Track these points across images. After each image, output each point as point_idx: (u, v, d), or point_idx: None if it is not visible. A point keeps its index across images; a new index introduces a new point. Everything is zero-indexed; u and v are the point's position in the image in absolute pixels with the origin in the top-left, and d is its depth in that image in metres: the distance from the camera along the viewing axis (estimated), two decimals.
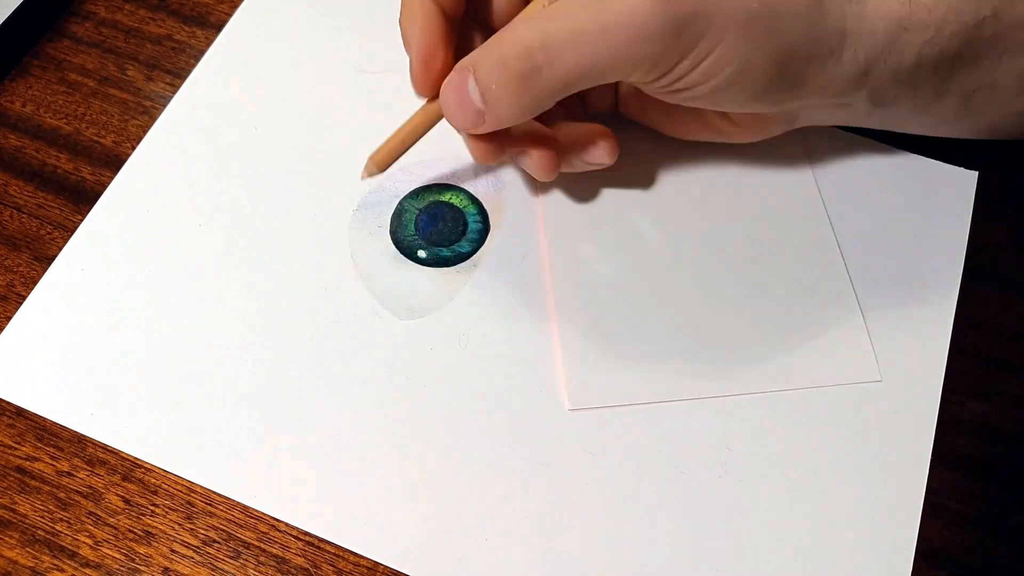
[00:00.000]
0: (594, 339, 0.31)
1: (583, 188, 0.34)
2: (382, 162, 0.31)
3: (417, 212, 0.34)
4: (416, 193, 0.34)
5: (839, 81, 0.28)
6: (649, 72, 0.26)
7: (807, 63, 0.27)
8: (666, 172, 0.35)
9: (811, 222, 0.34)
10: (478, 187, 0.34)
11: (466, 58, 0.27)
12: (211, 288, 0.32)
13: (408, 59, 0.29)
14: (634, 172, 0.34)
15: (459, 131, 0.29)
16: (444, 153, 0.35)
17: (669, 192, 0.34)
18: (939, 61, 0.28)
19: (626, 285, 0.32)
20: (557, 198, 0.34)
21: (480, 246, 0.33)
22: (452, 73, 0.27)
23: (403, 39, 0.29)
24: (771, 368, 0.31)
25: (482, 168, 0.35)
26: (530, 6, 0.28)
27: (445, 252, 0.33)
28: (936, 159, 0.35)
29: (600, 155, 0.31)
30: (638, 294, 0.32)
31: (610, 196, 0.34)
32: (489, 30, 0.30)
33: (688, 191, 0.34)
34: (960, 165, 0.35)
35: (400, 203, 0.34)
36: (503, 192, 0.34)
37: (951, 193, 0.34)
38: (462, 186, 0.34)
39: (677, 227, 0.33)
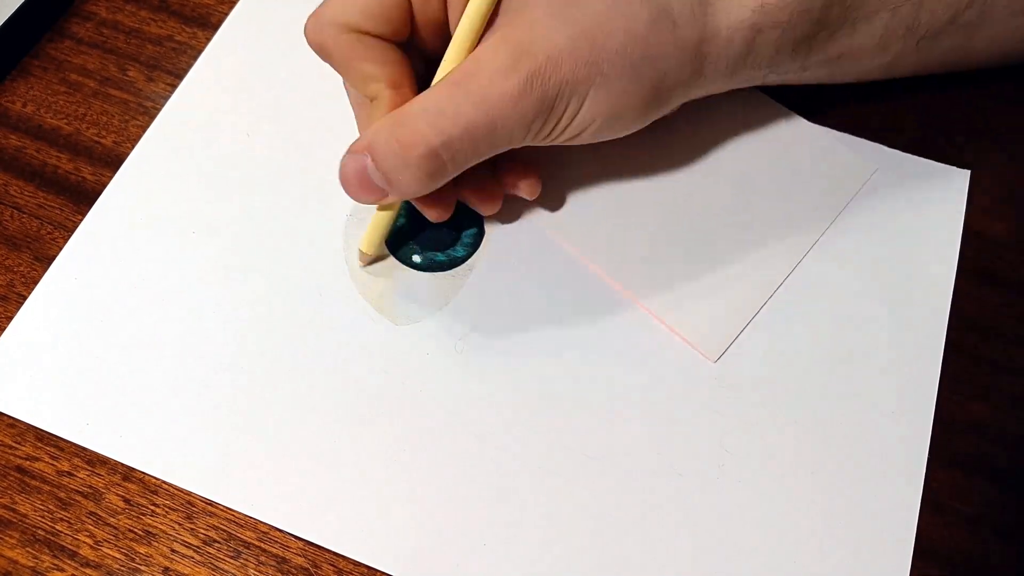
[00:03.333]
0: (676, 292, 0.32)
1: (578, 185, 0.34)
2: (371, 247, 0.32)
3: (411, 217, 0.34)
4: None
5: (708, 85, 0.31)
6: (531, 140, 0.29)
7: (674, 89, 0.30)
8: (656, 159, 0.35)
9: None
10: None
11: (360, 141, 0.28)
12: (206, 293, 0.32)
13: (362, 104, 0.30)
14: (620, 163, 0.35)
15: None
16: None
17: (665, 176, 0.35)
18: (796, 45, 0.30)
19: (656, 234, 0.33)
20: (555, 199, 0.34)
21: (475, 250, 0.33)
22: (348, 156, 0.28)
23: (358, 82, 0.30)
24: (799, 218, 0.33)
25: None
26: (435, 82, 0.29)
27: (440, 257, 0.33)
28: (930, 158, 0.35)
29: (524, 192, 0.32)
30: (681, 234, 0.33)
31: (602, 186, 0.34)
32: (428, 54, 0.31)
33: (681, 175, 0.35)
34: (953, 164, 0.35)
35: None
36: None
37: (944, 192, 0.34)
38: None
39: (672, 192, 0.35)
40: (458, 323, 0.32)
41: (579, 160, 0.34)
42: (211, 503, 0.29)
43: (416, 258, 0.33)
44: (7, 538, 0.29)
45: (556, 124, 0.28)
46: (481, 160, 0.28)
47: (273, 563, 0.28)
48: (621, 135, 0.30)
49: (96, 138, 0.36)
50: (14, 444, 0.30)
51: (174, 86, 0.37)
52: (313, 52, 0.30)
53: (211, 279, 0.33)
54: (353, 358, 0.31)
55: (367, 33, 0.29)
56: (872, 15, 0.30)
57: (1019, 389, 0.31)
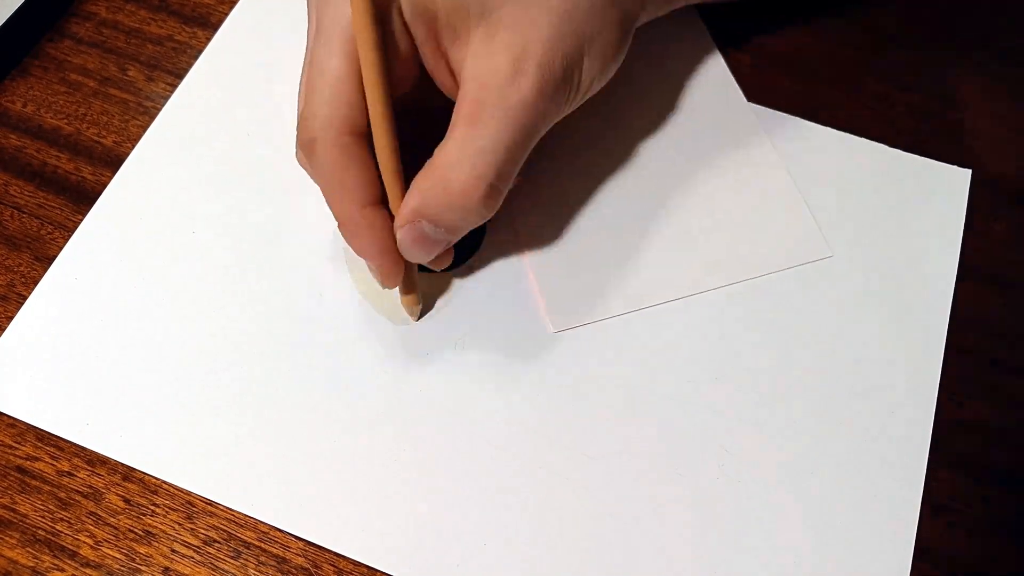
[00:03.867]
0: (563, 264, 0.33)
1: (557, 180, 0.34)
2: (411, 293, 0.31)
3: None
4: None
5: (651, 10, 0.32)
6: (561, 115, 0.29)
7: (634, 21, 0.31)
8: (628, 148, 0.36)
9: (733, 114, 0.36)
10: None
11: (404, 211, 0.27)
12: (206, 293, 0.32)
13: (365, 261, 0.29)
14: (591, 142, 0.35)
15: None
16: None
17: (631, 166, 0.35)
18: None
19: (586, 210, 0.34)
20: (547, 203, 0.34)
21: (475, 250, 0.33)
22: (402, 230, 0.28)
23: (357, 250, 0.29)
24: (728, 260, 0.33)
25: None
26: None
27: None
28: (930, 158, 0.35)
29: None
30: (596, 216, 0.34)
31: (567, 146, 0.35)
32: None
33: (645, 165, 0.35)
34: (954, 164, 0.35)
35: None
36: None
37: (944, 192, 0.34)
38: None
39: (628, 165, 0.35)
40: (458, 323, 0.32)
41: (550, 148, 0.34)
42: (211, 503, 0.29)
43: None
44: (7, 538, 0.29)
45: (575, 93, 0.29)
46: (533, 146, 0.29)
47: (273, 563, 0.28)
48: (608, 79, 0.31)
49: (96, 138, 0.36)
50: (14, 444, 0.30)
51: (174, 86, 0.37)
52: None
53: (211, 279, 0.33)
54: (353, 358, 0.31)
55: (359, 133, 0.27)
56: None
57: (1019, 389, 0.31)
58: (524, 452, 0.30)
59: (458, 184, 0.27)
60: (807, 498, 0.29)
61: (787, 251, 0.33)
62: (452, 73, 0.29)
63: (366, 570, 0.28)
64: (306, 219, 0.34)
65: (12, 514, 0.29)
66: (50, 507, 0.29)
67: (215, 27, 0.38)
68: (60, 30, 0.39)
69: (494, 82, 0.27)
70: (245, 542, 0.29)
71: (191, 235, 0.33)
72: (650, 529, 0.28)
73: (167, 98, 0.37)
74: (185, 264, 0.33)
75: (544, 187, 0.34)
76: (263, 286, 0.32)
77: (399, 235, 0.28)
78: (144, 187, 0.34)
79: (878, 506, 0.29)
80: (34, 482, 0.29)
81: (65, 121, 0.36)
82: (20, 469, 0.30)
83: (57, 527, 0.29)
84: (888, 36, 0.38)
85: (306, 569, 0.28)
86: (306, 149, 0.28)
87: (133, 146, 0.35)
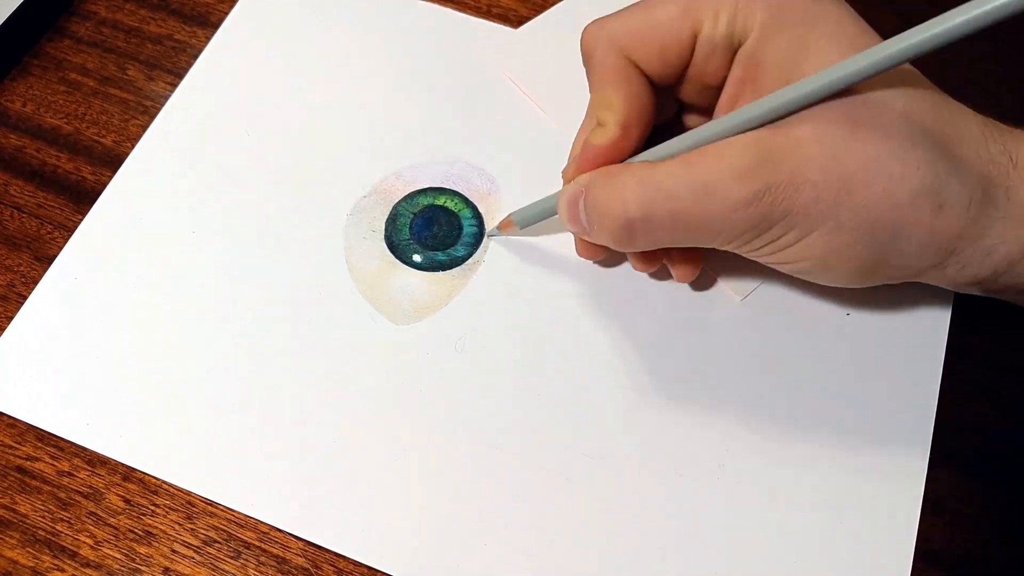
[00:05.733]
0: None
1: None
2: (524, 221, 0.31)
3: (412, 216, 0.34)
4: (411, 197, 0.34)
5: (943, 282, 0.27)
6: (734, 248, 0.27)
7: (901, 270, 0.26)
8: None
9: None
10: (473, 190, 0.34)
11: (585, 176, 0.28)
12: (206, 293, 0.32)
13: (593, 120, 0.28)
14: None
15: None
16: (439, 156, 0.35)
17: None
18: None
19: None
20: None
21: (475, 249, 0.33)
22: (573, 184, 0.28)
23: (598, 102, 0.28)
24: None
25: (476, 171, 0.35)
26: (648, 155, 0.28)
27: (440, 256, 0.33)
28: None
29: (676, 273, 0.31)
30: None
31: None
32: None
33: None
34: None
35: (395, 207, 0.34)
36: (498, 195, 0.34)
37: None
38: (457, 189, 0.34)
39: None
40: (458, 323, 0.32)
41: None
42: (211, 503, 0.29)
43: (416, 257, 0.33)
44: (7, 538, 0.29)
45: (764, 246, 0.26)
46: (677, 246, 0.27)
47: (273, 563, 0.28)
48: (825, 283, 0.28)
49: (96, 137, 0.36)
50: (14, 444, 0.30)
51: (174, 85, 0.37)
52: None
53: (211, 279, 0.32)
54: (353, 358, 0.31)
55: (634, 63, 0.28)
56: None
57: (1019, 389, 0.31)
58: (524, 452, 0.30)
59: (613, 190, 0.26)
60: (807, 498, 0.29)
61: None
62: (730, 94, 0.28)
63: (366, 570, 0.28)
64: (306, 219, 0.34)
65: (12, 514, 0.29)
66: (50, 507, 0.29)
67: (215, 26, 0.38)
68: (60, 29, 0.39)
69: (729, 160, 0.25)
70: (245, 542, 0.29)
71: (191, 235, 0.33)
72: (650, 529, 0.28)
73: (167, 98, 0.37)
74: (185, 264, 0.33)
75: None
76: (263, 286, 0.32)
77: (573, 182, 0.28)
78: (144, 187, 0.34)
79: (878, 506, 0.29)
80: (34, 482, 0.29)
81: (65, 121, 0.36)
82: (20, 469, 0.30)
83: (57, 527, 0.29)
84: None
85: (306, 569, 0.28)
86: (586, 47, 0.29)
87: (133, 146, 0.35)
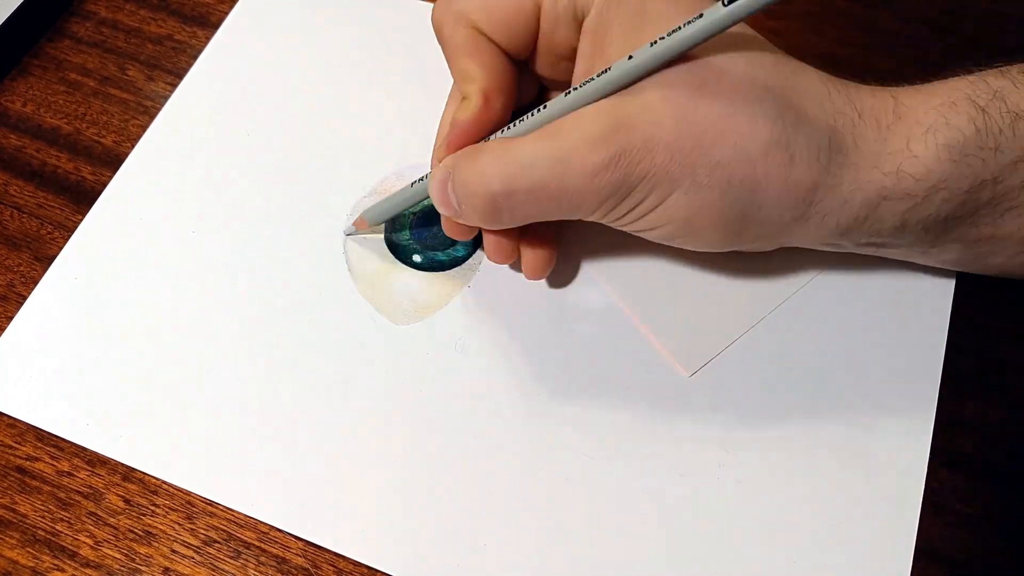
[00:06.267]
0: (670, 309, 0.32)
1: None
2: (376, 219, 0.32)
3: (412, 216, 0.34)
4: None
5: (809, 237, 0.28)
6: (599, 217, 0.27)
7: (766, 226, 0.27)
8: None
9: None
10: None
11: (450, 157, 0.28)
12: (206, 293, 0.32)
13: (456, 94, 0.29)
14: None
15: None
16: None
17: None
18: (928, 223, 0.27)
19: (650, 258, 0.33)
20: None
21: (476, 250, 0.33)
22: (440, 166, 0.28)
23: (457, 75, 0.29)
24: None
25: None
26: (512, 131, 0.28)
27: (441, 256, 0.33)
28: None
29: (525, 269, 0.31)
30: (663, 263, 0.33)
31: None
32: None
33: None
34: None
35: None
36: None
37: None
38: None
39: None
40: (458, 323, 0.32)
41: None
42: (211, 503, 0.29)
43: (416, 258, 0.33)
44: (7, 538, 0.29)
45: (628, 212, 0.27)
46: (545, 220, 0.28)
47: (273, 563, 0.28)
48: (694, 249, 0.29)
49: (96, 138, 0.36)
50: (14, 444, 0.30)
51: (174, 85, 0.37)
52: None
53: (211, 279, 0.32)
54: (353, 358, 0.31)
55: (484, 34, 0.28)
56: None
57: (1019, 389, 0.31)
58: (524, 452, 0.30)
59: (476, 168, 0.27)
60: (808, 498, 0.29)
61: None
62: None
63: (366, 570, 0.28)
64: (306, 219, 0.34)
65: (12, 514, 0.29)
66: (50, 507, 0.29)
67: (215, 27, 0.38)
68: (60, 30, 0.39)
69: (584, 129, 0.25)
70: (245, 542, 0.29)
71: (191, 235, 0.33)
72: (650, 529, 0.28)
73: (167, 98, 0.37)
74: (185, 264, 0.33)
75: (626, 245, 0.33)
76: (263, 286, 0.32)
77: (441, 164, 0.28)
78: (144, 187, 0.34)
79: (878, 505, 0.29)
80: (34, 482, 0.29)
81: (65, 121, 0.36)
82: (20, 469, 0.30)
83: (57, 527, 0.29)
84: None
85: (306, 569, 0.28)
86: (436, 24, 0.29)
87: (133, 146, 0.35)
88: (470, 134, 0.28)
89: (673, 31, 0.24)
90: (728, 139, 0.25)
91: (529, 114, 0.27)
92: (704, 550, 0.28)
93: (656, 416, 0.30)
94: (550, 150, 0.26)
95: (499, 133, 0.28)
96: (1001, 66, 0.27)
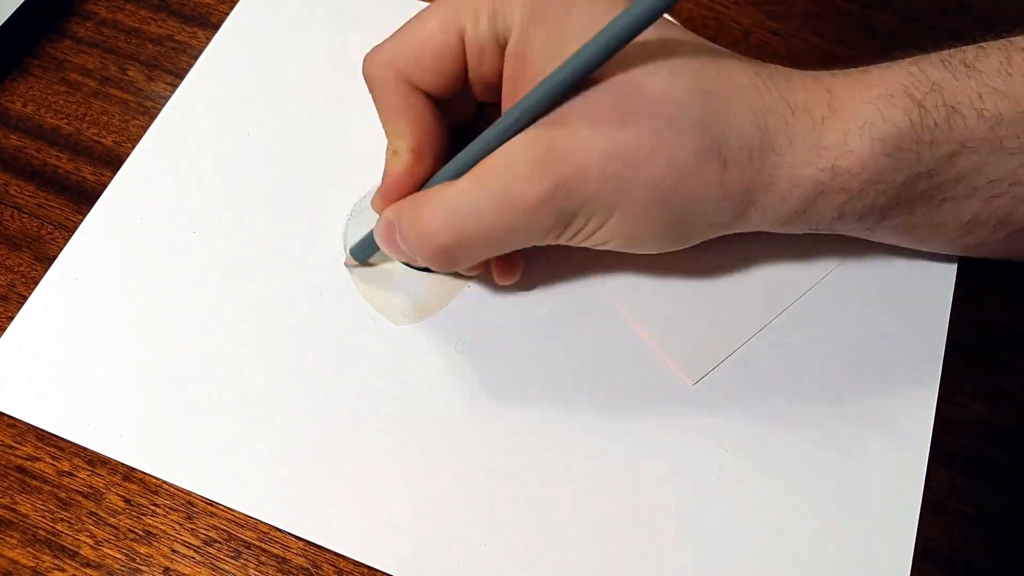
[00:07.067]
0: (673, 316, 0.32)
1: None
2: (359, 256, 0.32)
3: None
4: None
5: (749, 228, 0.28)
6: (549, 242, 0.28)
7: (707, 229, 0.28)
8: None
9: None
10: None
11: (392, 207, 0.28)
12: (206, 293, 0.32)
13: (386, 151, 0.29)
14: None
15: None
16: None
17: None
18: (864, 213, 0.27)
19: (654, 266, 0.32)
20: None
21: None
22: (383, 216, 0.29)
23: (389, 131, 0.29)
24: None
25: None
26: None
27: None
28: None
29: (496, 275, 0.31)
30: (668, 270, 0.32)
31: None
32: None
33: None
34: None
35: None
36: None
37: None
38: None
39: None
40: (458, 323, 0.32)
41: None
42: (211, 503, 0.29)
43: None
44: (8, 538, 0.29)
45: (575, 235, 0.27)
46: (501, 254, 0.28)
47: (273, 563, 0.28)
48: (643, 253, 0.29)
49: (96, 138, 0.36)
50: (14, 444, 0.30)
51: (174, 86, 0.37)
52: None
53: (211, 279, 0.33)
54: (353, 358, 0.31)
55: (415, 85, 0.28)
56: (961, 200, 0.27)
57: (1019, 389, 0.31)
58: (524, 452, 0.30)
59: (423, 222, 0.27)
60: (807, 498, 0.29)
61: (836, 250, 0.33)
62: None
63: (366, 570, 0.28)
64: (306, 219, 0.34)
65: (12, 514, 0.29)
66: (50, 507, 0.29)
67: (215, 27, 0.38)
68: (60, 30, 0.39)
69: (516, 163, 0.25)
70: (245, 542, 0.29)
71: (191, 235, 0.33)
72: (650, 528, 0.28)
73: (167, 98, 0.37)
74: (185, 264, 0.33)
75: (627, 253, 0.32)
76: (263, 286, 0.32)
77: (383, 214, 0.29)
78: (144, 187, 0.34)
79: (878, 506, 0.29)
80: (34, 482, 0.29)
81: (65, 121, 0.36)
82: (20, 469, 0.30)
83: (57, 527, 0.29)
84: None
85: (306, 569, 0.28)
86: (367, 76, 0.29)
87: (133, 146, 0.35)
88: (404, 187, 0.28)
89: (588, 41, 0.24)
90: (659, 155, 0.25)
91: (463, 152, 0.27)
92: (704, 550, 0.28)
93: (656, 416, 0.30)
94: (490, 191, 0.26)
95: (439, 173, 0.28)
96: (951, 48, 0.27)
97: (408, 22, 0.28)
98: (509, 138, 0.26)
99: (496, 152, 0.26)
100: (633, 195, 0.25)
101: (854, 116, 0.26)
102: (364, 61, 0.29)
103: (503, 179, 0.26)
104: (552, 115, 0.26)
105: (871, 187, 0.26)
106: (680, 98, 0.25)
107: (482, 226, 0.26)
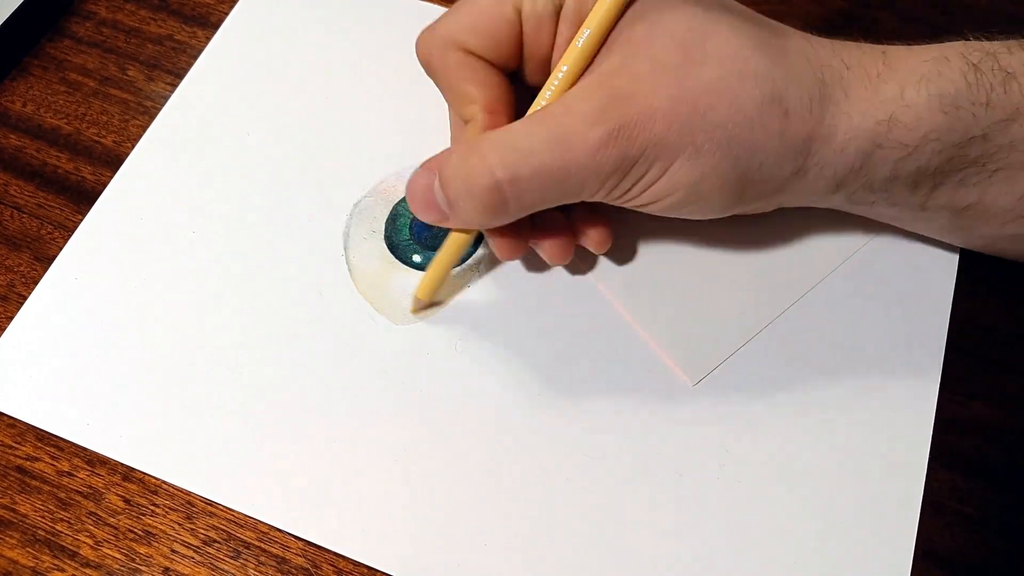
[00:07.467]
0: (671, 316, 0.32)
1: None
2: (426, 293, 0.31)
3: (412, 216, 0.34)
4: None
5: (807, 192, 0.28)
6: (603, 196, 0.27)
7: (767, 183, 0.27)
8: None
9: None
10: None
11: (433, 159, 0.27)
12: (206, 293, 0.32)
13: (456, 122, 0.29)
14: None
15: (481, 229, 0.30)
16: None
17: None
18: (917, 176, 0.27)
19: (660, 263, 0.33)
20: None
21: (475, 250, 0.33)
22: (419, 172, 0.28)
23: (456, 102, 0.29)
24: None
25: None
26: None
27: None
28: None
29: (592, 244, 0.31)
30: (673, 269, 0.33)
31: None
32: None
33: None
34: None
35: (395, 207, 0.34)
36: None
37: None
38: None
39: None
40: (458, 323, 0.32)
41: None
42: (211, 503, 0.29)
43: (416, 258, 0.33)
44: (7, 538, 0.29)
45: (633, 186, 0.27)
46: (549, 206, 0.27)
47: (273, 563, 0.28)
48: (697, 217, 0.29)
49: (96, 138, 0.36)
50: (14, 444, 0.30)
51: (174, 85, 0.37)
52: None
53: (211, 279, 0.33)
54: (353, 358, 0.31)
55: (474, 54, 0.28)
56: (1015, 170, 0.27)
57: (1019, 389, 0.31)
58: (524, 452, 0.30)
59: (475, 160, 0.26)
60: (807, 498, 0.29)
61: (838, 249, 0.33)
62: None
63: (366, 570, 0.28)
64: (306, 219, 0.34)
65: (12, 514, 0.29)
66: (50, 507, 0.29)
67: (215, 27, 0.38)
68: (60, 30, 0.39)
69: (578, 108, 0.25)
70: (245, 542, 0.29)
71: (191, 235, 0.33)
72: (650, 528, 0.28)
73: (167, 98, 0.37)
74: (185, 264, 0.33)
75: (626, 249, 0.33)
76: (263, 286, 0.32)
77: (414, 173, 0.28)
78: (144, 187, 0.34)
79: (878, 506, 0.29)
80: (34, 482, 0.29)
81: (65, 121, 0.36)
82: (20, 469, 0.30)
83: (57, 527, 0.29)
84: None
85: (306, 569, 0.28)
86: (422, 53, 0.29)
87: (133, 146, 0.35)
88: None
89: None
90: (723, 100, 0.25)
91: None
92: (704, 550, 0.28)
93: (656, 416, 0.30)
94: (548, 132, 0.26)
95: None
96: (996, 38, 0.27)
97: (460, 2, 0.28)
98: (570, 86, 0.26)
99: (558, 98, 0.26)
100: (697, 140, 0.25)
101: (911, 72, 0.26)
102: (418, 42, 0.29)
103: (563, 120, 0.25)
104: (615, 63, 0.26)
105: (927, 144, 0.26)
106: (744, 48, 0.26)
107: (538, 165, 0.25)
